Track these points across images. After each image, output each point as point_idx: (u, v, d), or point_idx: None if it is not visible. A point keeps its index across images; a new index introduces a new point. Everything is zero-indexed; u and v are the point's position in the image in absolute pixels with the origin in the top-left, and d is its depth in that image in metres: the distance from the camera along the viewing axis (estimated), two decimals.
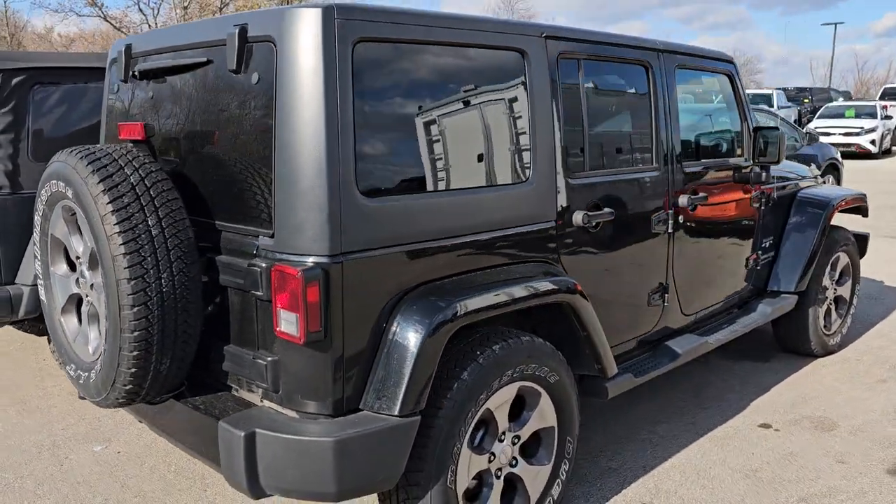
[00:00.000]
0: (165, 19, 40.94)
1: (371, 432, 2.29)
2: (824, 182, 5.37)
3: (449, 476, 2.53)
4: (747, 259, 4.31)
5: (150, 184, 2.43)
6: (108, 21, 40.03)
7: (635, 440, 3.85)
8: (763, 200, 4.34)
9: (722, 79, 4.09)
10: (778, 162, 4.10)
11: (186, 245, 2.42)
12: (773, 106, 21.02)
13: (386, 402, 2.36)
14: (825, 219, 4.65)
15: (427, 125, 2.52)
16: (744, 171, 4.12)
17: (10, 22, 43.76)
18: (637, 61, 3.39)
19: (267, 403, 2.49)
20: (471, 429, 2.60)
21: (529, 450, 2.94)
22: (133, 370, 2.40)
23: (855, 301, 5.27)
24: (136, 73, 2.93)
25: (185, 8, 37.39)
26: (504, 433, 2.79)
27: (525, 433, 2.87)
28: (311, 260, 2.25)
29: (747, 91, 24.91)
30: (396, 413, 2.34)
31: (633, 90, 3.43)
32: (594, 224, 3.10)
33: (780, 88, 25.69)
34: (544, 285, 2.74)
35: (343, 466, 2.25)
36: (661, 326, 3.69)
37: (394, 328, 2.40)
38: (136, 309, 2.32)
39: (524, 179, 2.83)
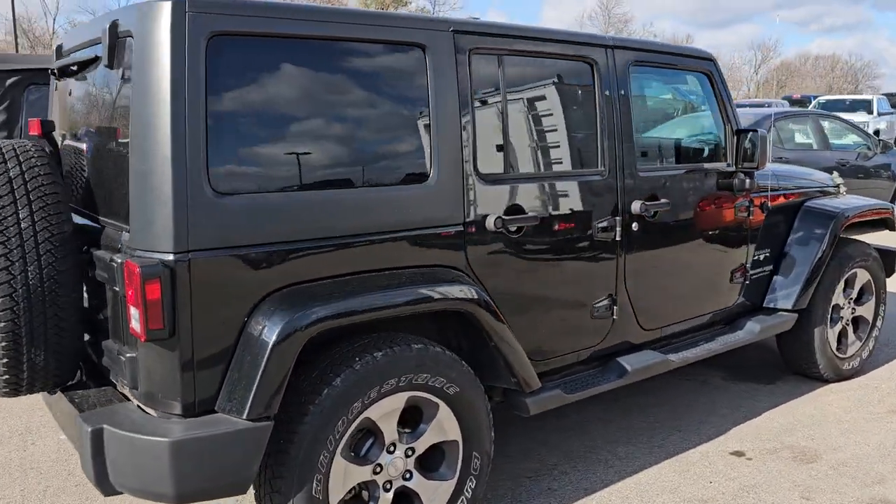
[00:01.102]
0: None
1: (213, 435, 2.24)
2: (846, 191, 4.92)
3: (314, 485, 2.43)
4: (733, 272, 3.99)
5: (29, 178, 2.46)
6: None
7: (591, 460, 3.63)
8: (753, 209, 4.02)
9: (700, 78, 3.81)
10: (758, 168, 3.78)
11: (59, 239, 2.44)
12: (872, 112, 19.67)
13: (236, 405, 2.30)
14: (832, 231, 4.26)
15: (298, 122, 2.45)
16: (726, 177, 3.83)
17: None
18: (579, 58, 3.19)
19: (135, 401, 2.48)
20: (345, 438, 2.50)
21: (430, 464, 2.81)
22: (4, 360, 2.44)
23: (880, 323, 4.80)
24: (54, 71, 3.00)
25: None
26: (394, 444, 2.67)
27: (420, 446, 2.74)
28: (155, 256, 2.22)
29: (854, 97, 23.43)
30: (245, 417, 2.27)
31: (572, 88, 3.24)
32: (513, 229, 2.94)
33: (885, 94, 24.03)
34: (429, 292, 2.60)
35: (181, 469, 2.20)
36: (613, 341, 3.46)
37: (249, 330, 2.34)
38: None
39: (423, 180, 2.71)
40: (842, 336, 4.62)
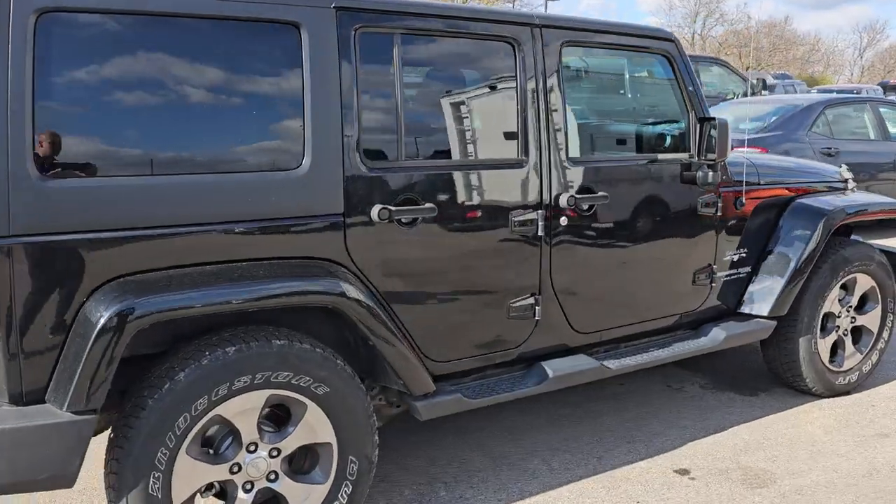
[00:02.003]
0: None
1: (29, 427, 2.17)
2: (855, 187, 4.44)
3: (151, 482, 2.33)
4: (696, 273, 3.66)
5: None
6: None
7: (519, 468, 3.41)
8: (723, 205, 3.66)
9: (659, 60, 3.47)
10: (717, 159, 3.42)
11: None
12: None
13: (59, 397, 2.22)
14: (821, 231, 3.84)
15: (142, 102, 2.33)
16: (687, 169, 3.49)
17: None
18: (496, 37, 2.94)
19: None
20: (190, 435, 2.39)
21: (303, 466, 2.68)
22: None
23: (886, 334, 4.33)
24: None
25: None
26: (255, 444, 2.55)
27: (287, 447, 2.60)
28: None
29: None
30: (65, 409, 2.20)
31: (487, 70, 3.00)
32: (406, 220, 2.74)
33: None
34: (281, 286, 2.44)
35: None
36: (539, 343, 3.21)
37: (79, 320, 2.25)
38: None
39: (294, 167, 2.55)
40: (838, 347, 4.20)
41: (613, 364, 3.35)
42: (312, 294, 2.48)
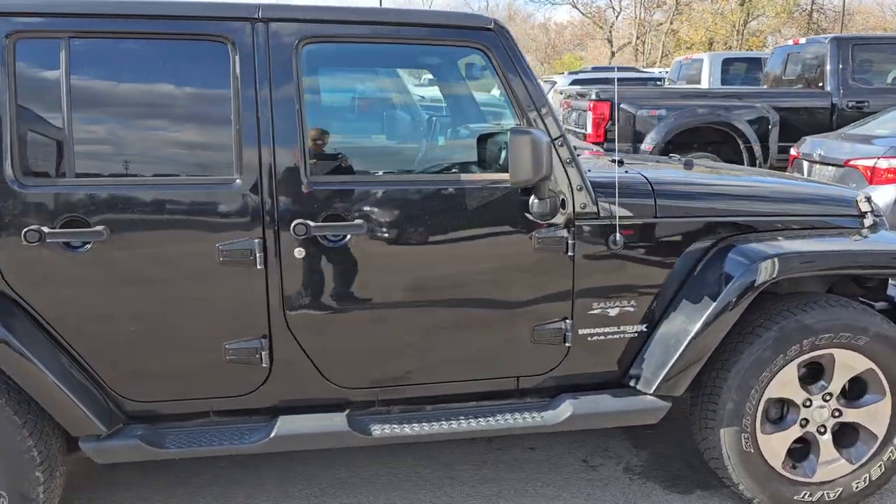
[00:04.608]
0: (630, 11, 42.44)
1: None
2: (878, 220, 3.06)
3: None
4: (536, 329, 2.82)
5: None
6: (579, 10, 43.43)
7: None
8: (576, 244, 2.78)
9: (475, 56, 2.71)
10: (515, 183, 2.58)
11: None
12: None
13: None
14: (740, 286, 2.74)
15: None
16: (519, 194, 2.71)
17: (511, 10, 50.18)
18: (203, 35, 2.53)
19: None
20: None
21: None
22: None
23: None
24: None
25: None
26: None
27: None
28: None
29: None
30: None
31: (195, 74, 2.58)
32: (77, 244, 2.50)
33: None
34: None
35: None
36: (281, 394, 2.73)
37: None
38: None
39: None
40: (808, 449, 2.99)
41: (380, 430, 2.74)
42: None
